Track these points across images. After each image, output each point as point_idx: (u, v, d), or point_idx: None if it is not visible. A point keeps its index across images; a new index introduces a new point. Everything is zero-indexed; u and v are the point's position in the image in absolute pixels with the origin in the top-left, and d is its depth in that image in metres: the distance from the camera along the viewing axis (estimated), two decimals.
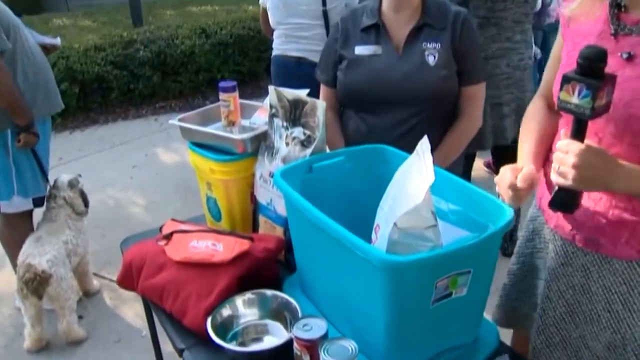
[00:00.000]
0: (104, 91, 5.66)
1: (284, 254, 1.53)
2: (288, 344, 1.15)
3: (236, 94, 1.62)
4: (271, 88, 1.52)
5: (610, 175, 1.06)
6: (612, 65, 1.10)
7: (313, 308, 1.29)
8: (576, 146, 1.03)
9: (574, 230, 1.25)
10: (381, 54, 1.68)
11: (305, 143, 1.43)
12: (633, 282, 1.20)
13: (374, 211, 1.23)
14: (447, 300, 1.05)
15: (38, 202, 2.65)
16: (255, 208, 1.61)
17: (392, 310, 1.03)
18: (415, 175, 1.11)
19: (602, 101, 1.01)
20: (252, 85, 6.32)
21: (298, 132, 1.44)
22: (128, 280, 1.47)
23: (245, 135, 1.54)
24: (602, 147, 1.10)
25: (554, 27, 4.71)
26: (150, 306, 1.53)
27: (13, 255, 2.60)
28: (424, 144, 1.13)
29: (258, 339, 1.29)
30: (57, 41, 2.91)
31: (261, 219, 1.58)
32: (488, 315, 1.33)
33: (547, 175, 1.30)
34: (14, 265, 2.57)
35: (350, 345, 1.06)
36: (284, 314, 1.30)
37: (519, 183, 1.17)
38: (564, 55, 1.24)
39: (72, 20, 9.12)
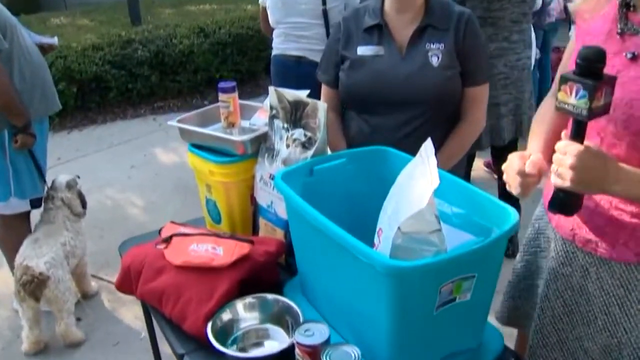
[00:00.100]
0: (102, 91, 5.64)
1: (285, 257, 1.51)
2: (289, 349, 1.14)
3: (236, 94, 1.60)
4: (271, 89, 1.50)
5: (609, 178, 1.04)
6: (617, 64, 1.09)
7: (314, 312, 1.28)
8: (575, 147, 1.02)
9: (574, 229, 1.24)
10: (384, 54, 1.66)
11: (306, 145, 1.41)
12: (631, 286, 1.19)
13: (376, 214, 1.22)
14: (451, 305, 1.04)
15: (35, 204, 2.64)
16: (255, 210, 1.59)
17: (395, 315, 1.01)
18: (419, 178, 1.09)
19: (600, 102, 0.99)
20: (250, 84, 6.32)
21: (299, 133, 1.43)
22: (127, 284, 1.46)
23: (246, 137, 1.52)
24: (601, 149, 1.08)
25: (554, 27, 4.70)
26: (149, 310, 1.51)
27: (10, 257, 2.58)
28: (428, 146, 1.12)
29: (259, 344, 1.27)
30: (55, 41, 2.91)
31: (261, 221, 1.56)
32: (492, 320, 1.32)
33: None
34: (11, 267, 2.55)
35: (353, 351, 1.05)
36: (285, 318, 1.29)
37: (528, 168, 1.15)
38: (573, 55, 1.23)
39: (69, 19, 9.11)
